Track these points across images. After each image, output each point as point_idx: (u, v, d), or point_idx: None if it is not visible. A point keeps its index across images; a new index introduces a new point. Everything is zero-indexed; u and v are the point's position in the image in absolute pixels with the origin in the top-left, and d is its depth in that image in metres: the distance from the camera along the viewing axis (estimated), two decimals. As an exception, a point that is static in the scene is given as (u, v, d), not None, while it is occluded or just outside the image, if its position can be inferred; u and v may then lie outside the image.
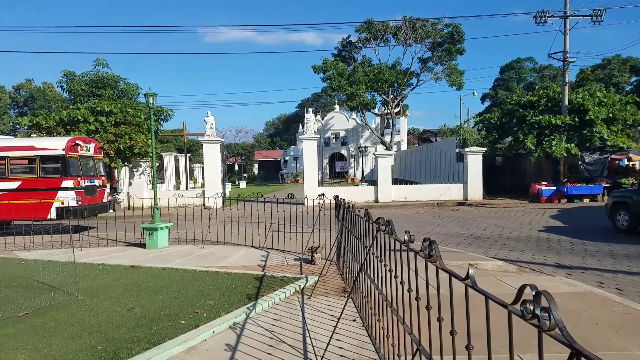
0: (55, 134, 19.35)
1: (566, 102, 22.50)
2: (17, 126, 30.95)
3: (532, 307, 1.43)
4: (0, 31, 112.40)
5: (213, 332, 4.96)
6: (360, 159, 43.05)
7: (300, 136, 27.41)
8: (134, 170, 24.22)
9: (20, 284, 7.46)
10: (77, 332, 5.07)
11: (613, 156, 22.67)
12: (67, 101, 30.92)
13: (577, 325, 5.00)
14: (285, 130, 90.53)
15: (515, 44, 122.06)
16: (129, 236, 12.43)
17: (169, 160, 33.03)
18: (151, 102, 11.89)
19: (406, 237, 2.75)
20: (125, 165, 22.03)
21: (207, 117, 23.47)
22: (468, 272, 1.85)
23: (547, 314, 1.39)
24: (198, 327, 5.04)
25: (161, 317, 5.51)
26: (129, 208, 21.92)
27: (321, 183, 26.81)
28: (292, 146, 63.83)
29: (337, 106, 58.12)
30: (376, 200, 23.39)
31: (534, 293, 1.44)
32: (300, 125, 58.98)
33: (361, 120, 47.17)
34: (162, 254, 10.24)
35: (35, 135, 19.89)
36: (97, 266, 8.83)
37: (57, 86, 30.24)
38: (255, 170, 72.45)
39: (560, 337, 1.34)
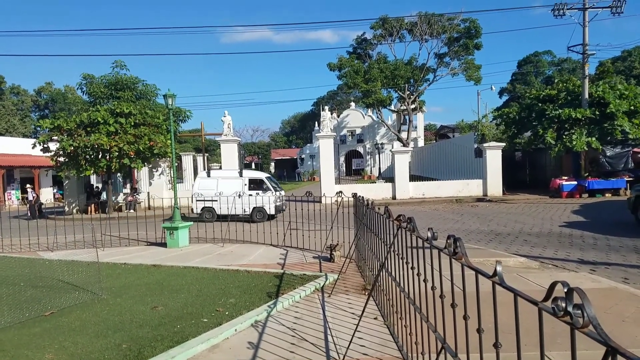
0: (76, 135, 19.69)
1: (586, 95, 22.04)
2: (39, 129, 31.60)
3: (564, 304, 1.41)
4: (21, 35, 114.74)
5: (235, 330, 5.00)
6: (377, 156, 42.89)
7: (316, 134, 27.45)
8: (154, 170, 24.56)
9: (45, 284, 7.63)
10: (101, 331, 5.16)
11: (635, 149, 22.08)
12: (87, 103, 31.56)
13: (603, 321, 4.87)
14: (302, 129, 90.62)
15: (533, 37, 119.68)
16: (150, 235, 12.63)
17: (187, 160, 33.25)
18: (170, 103, 12.02)
19: (429, 235, 2.73)
20: (144, 166, 22.34)
21: (225, 117, 23.63)
22: (496, 270, 1.83)
23: (579, 311, 1.37)
24: (220, 325, 5.09)
25: (184, 316, 5.58)
26: (149, 208, 22.26)
27: (338, 181, 26.80)
28: (309, 144, 63.95)
29: (352, 104, 58.02)
30: (394, 197, 23.27)
31: (566, 290, 1.41)
32: (317, 123, 59.04)
33: (377, 117, 46.96)
34: (182, 252, 10.38)
35: (57, 137, 20.29)
36: (120, 265, 8.99)
37: (77, 88, 30.88)
38: (272, 168, 72.71)
39: (595, 335, 1.32)
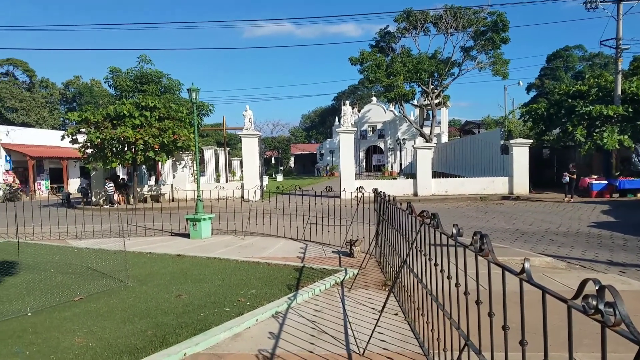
0: (103, 128, 20.11)
1: (619, 92, 21.39)
2: (67, 121, 32.41)
3: (594, 302, 1.38)
4: (50, 30, 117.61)
5: (257, 320, 5.06)
6: (398, 152, 42.60)
7: (336, 129, 27.36)
8: (177, 163, 24.94)
9: (74, 271, 7.87)
10: (128, 317, 5.31)
11: (670, 148, 21.42)
12: (112, 96, 32.20)
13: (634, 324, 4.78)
14: (321, 124, 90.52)
15: (563, 32, 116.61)
16: (174, 226, 12.85)
17: (209, 154, 33.78)
18: (194, 97, 12.17)
19: (454, 231, 2.70)
20: (168, 159, 22.69)
21: (246, 111, 23.79)
22: (524, 266, 1.80)
23: (611, 309, 1.33)
24: (242, 315, 5.17)
25: (207, 304, 5.67)
26: (172, 200, 22.61)
27: (358, 176, 26.69)
28: (328, 139, 63.84)
29: (374, 98, 57.66)
30: (415, 194, 23.07)
31: (597, 287, 1.38)
32: (337, 118, 58.93)
33: (399, 112, 46.50)
34: (205, 244, 10.53)
35: (84, 130, 20.77)
36: (145, 255, 9.18)
37: (104, 82, 31.51)
38: (292, 163, 72.96)
39: (627, 333, 1.29)
